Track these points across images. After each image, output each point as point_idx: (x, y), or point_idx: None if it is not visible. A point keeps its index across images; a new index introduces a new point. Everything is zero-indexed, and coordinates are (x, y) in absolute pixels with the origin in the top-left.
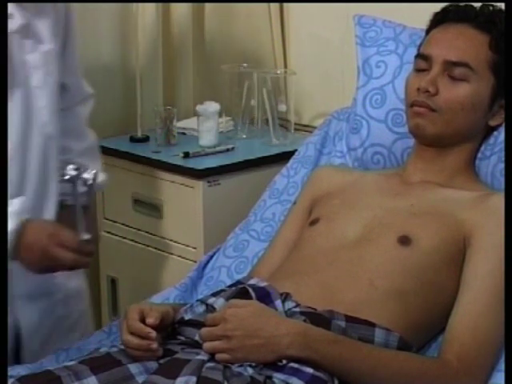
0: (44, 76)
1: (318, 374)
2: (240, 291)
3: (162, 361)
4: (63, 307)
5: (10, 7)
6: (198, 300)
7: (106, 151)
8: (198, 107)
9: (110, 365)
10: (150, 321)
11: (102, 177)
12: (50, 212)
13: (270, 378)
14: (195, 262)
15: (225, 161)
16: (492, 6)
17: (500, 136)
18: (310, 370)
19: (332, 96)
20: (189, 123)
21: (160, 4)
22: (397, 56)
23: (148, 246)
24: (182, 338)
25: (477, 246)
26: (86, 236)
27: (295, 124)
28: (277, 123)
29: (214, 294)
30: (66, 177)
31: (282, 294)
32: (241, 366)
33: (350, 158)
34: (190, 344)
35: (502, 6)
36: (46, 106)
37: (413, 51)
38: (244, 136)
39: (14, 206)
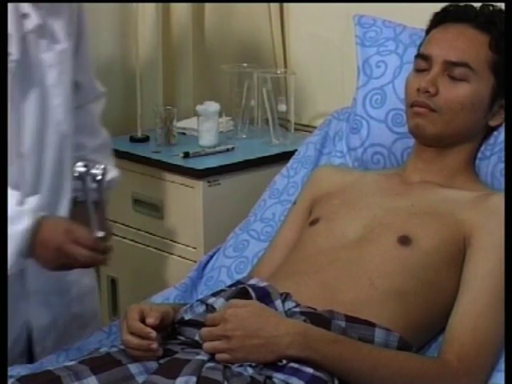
0: (59, 75)
1: (318, 374)
2: (240, 291)
3: (162, 361)
4: (78, 305)
5: (27, 7)
6: (198, 300)
7: None
8: (198, 107)
9: (110, 365)
10: (150, 321)
11: (114, 173)
12: (64, 209)
13: (270, 378)
14: (195, 262)
15: (225, 161)
16: (492, 5)
17: (500, 136)
18: (310, 370)
19: (332, 96)
20: (189, 123)
21: (160, 4)
22: (397, 56)
23: (148, 245)
24: (182, 338)
25: (477, 245)
26: (101, 233)
27: (295, 124)
28: (277, 123)
29: (214, 294)
30: (75, 174)
31: (282, 294)
32: (241, 366)
33: (350, 158)
34: (189, 344)
35: (502, 5)
36: (60, 104)
37: (413, 51)
38: (244, 136)
39: (29, 203)
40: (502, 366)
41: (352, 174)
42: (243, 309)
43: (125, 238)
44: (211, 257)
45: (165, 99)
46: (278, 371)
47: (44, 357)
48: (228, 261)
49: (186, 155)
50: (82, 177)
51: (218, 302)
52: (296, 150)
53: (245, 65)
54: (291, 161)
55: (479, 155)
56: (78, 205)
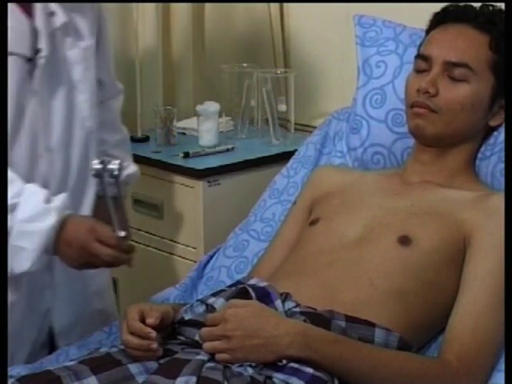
0: (84, 71)
1: (318, 373)
2: (240, 291)
3: (162, 361)
4: (99, 300)
5: (53, 5)
6: (198, 300)
7: None
8: (198, 107)
9: (110, 365)
10: (150, 321)
11: (133, 168)
12: (89, 204)
13: (270, 378)
14: (195, 262)
15: (225, 161)
16: (492, 6)
17: (500, 136)
18: (310, 370)
19: (332, 96)
20: (189, 123)
21: (160, 4)
22: (397, 56)
23: (148, 245)
24: (182, 338)
25: (477, 245)
26: (123, 233)
27: (295, 124)
28: (277, 123)
29: (214, 294)
30: (93, 172)
31: (282, 294)
32: (241, 366)
33: (350, 158)
34: (189, 344)
35: (502, 6)
36: (86, 100)
37: (413, 51)
38: (244, 136)
39: (56, 201)
40: (502, 366)
41: (352, 174)
42: (243, 309)
43: None
44: (211, 257)
45: (165, 99)
46: (277, 371)
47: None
48: (228, 261)
49: (186, 155)
50: (99, 174)
51: (218, 302)
52: (296, 150)
53: (245, 65)
54: (291, 161)
55: (479, 155)
56: (99, 200)
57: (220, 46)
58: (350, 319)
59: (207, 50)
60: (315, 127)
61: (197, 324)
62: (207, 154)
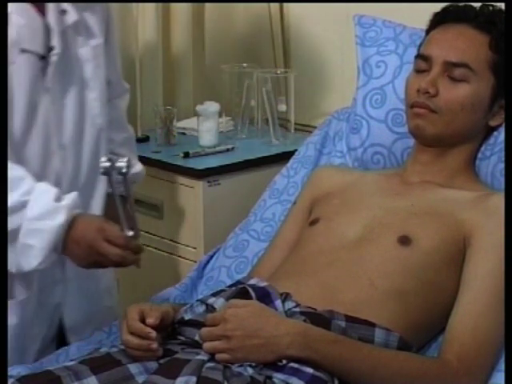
0: (94, 69)
1: (318, 373)
2: (240, 291)
3: (162, 361)
4: (108, 297)
5: (65, 4)
6: (198, 300)
7: None
8: (198, 107)
9: (110, 365)
10: (150, 321)
11: (139, 167)
12: (98, 203)
13: (270, 378)
14: (195, 262)
15: (225, 161)
16: (492, 6)
17: (500, 136)
18: (310, 370)
19: (332, 96)
20: (189, 123)
21: (160, 4)
22: (397, 56)
23: (148, 245)
24: (182, 338)
25: (477, 245)
26: (131, 232)
27: (295, 124)
28: (277, 123)
29: (214, 294)
30: (101, 170)
31: (282, 294)
32: (241, 366)
33: (350, 158)
34: (189, 344)
35: (502, 6)
36: (96, 98)
37: (413, 51)
38: (244, 136)
39: (65, 200)
40: (502, 366)
41: (352, 174)
42: (243, 309)
43: None
44: (211, 257)
45: (165, 99)
46: (278, 371)
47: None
48: (228, 261)
49: (186, 155)
50: (107, 172)
51: (218, 302)
52: (296, 150)
53: (245, 65)
54: (291, 161)
55: (479, 155)
56: (109, 199)
57: (220, 46)
58: (349, 319)
59: (207, 50)
60: (315, 127)
61: (197, 324)
62: (207, 154)
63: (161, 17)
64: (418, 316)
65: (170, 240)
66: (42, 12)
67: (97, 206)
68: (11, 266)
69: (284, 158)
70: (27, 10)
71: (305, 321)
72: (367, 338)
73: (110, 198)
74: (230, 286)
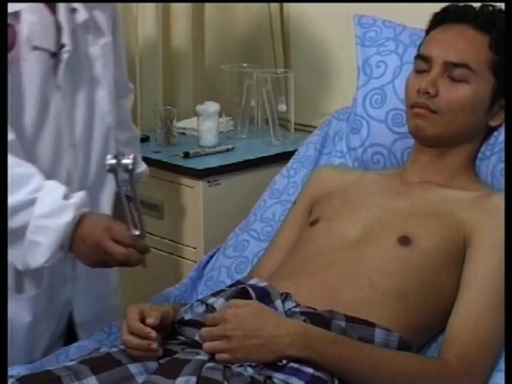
0: (103, 68)
1: (318, 373)
2: (240, 291)
3: (162, 361)
4: (115, 296)
5: (75, 3)
6: (198, 300)
7: None
8: (198, 107)
9: (110, 365)
10: (150, 321)
11: (143, 167)
12: (107, 202)
13: (270, 378)
14: (195, 262)
15: (225, 161)
16: (492, 6)
17: (500, 136)
18: (310, 370)
19: (332, 96)
20: (189, 123)
21: (160, 4)
22: (397, 56)
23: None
24: (182, 338)
25: (477, 246)
26: (137, 232)
27: (295, 124)
28: (277, 123)
29: (214, 294)
30: (107, 167)
31: (282, 294)
32: (241, 365)
33: (350, 158)
34: (190, 344)
35: (502, 6)
36: (105, 96)
37: (413, 51)
38: (244, 136)
39: (74, 198)
40: (502, 366)
41: (352, 174)
42: (243, 309)
43: None
44: (211, 257)
45: (165, 99)
46: (277, 371)
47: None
48: (228, 261)
49: (186, 155)
50: (113, 169)
51: (218, 302)
52: (296, 150)
53: (245, 65)
54: (291, 161)
55: (479, 155)
56: (116, 198)
57: (220, 46)
58: (349, 319)
59: (207, 50)
60: (315, 127)
61: (197, 324)
62: (207, 154)
63: (161, 17)
64: (417, 316)
65: (170, 240)
66: (53, 10)
67: (106, 205)
68: (18, 263)
69: (284, 157)
70: (38, 8)
71: (305, 321)
72: (367, 338)
73: (117, 197)
74: (230, 286)
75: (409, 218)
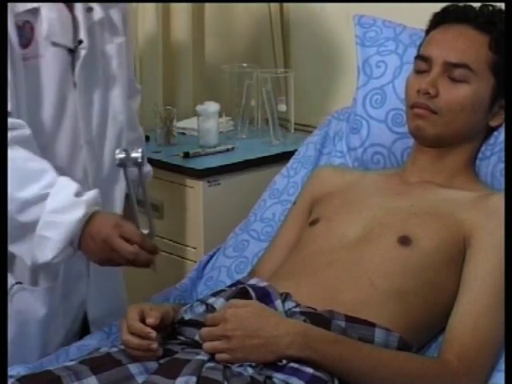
0: (118, 66)
1: (318, 373)
2: (240, 291)
3: (162, 361)
4: (123, 294)
5: (91, 2)
6: (198, 300)
7: None
8: (198, 107)
9: (110, 365)
10: (150, 321)
11: (148, 167)
12: (119, 200)
13: (270, 378)
14: (195, 262)
15: (225, 161)
16: (492, 6)
17: (500, 136)
18: (310, 370)
19: (332, 96)
20: (189, 123)
21: (160, 4)
22: (397, 56)
23: None
24: (182, 338)
25: (477, 246)
26: (146, 231)
27: (295, 124)
28: (277, 123)
29: (214, 294)
30: (117, 161)
31: (282, 294)
32: (241, 366)
33: (350, 158)
34: (190, 344)
35: (502, 6)
36: (119, 95)
37: (413, 51)
38: (244, 136)
39: (86, 196)
40: (502, 366)
41: (352, 174)
42: (243, 309)
43: None
44: (211, 257)
45: (165, 99)
46: (278, 371)
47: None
48: (228, 261)
49: (186, 155)
50: (123, 163)
51: (218, 302)
52: (296, 150)
53: (245, 65)
54: (291, 161)
55: (479, 155)
56: (126, 199)
57: (220, 46)
58: (349, 319)
59: (207, 50)
60: (315, 127)
61: (197, 324)
62: (207, 154)
63: (161, 17)
64: (418, 316)
65: (170, 240)
66: (70, 8)
67: (117, 203)
68: (26, 258)
69: (284, 157)
70: (57, 5)
71: (305, 321)
72: (367, 338)
73: (126, 198)
74: (230, 286)
75: (409, 218)
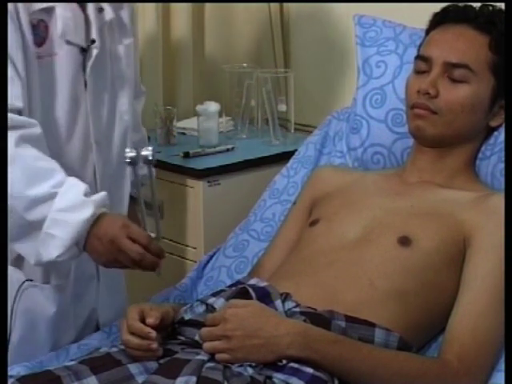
0: (126, 67)
1: (318, 373)
2: (240, 291)
3: (162, 361)
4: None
5: (102, 3)
6: (198, 300)
7: None
8: (198, 107)
9: (110, 365)
10: (150, 321)
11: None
12: (124, 202)
13: (270, 378)
14: (195, 262)
15: (225, 161)
16: (492, 6)
17: (500, 136)
18: (310, 370)
19: (332, 96)
20: (189, 123)
21: (160, 4)
22: (397, 56)
23: None
24: (182, 338)
25: (477, 246)
26: (153, 234)
27: (295, 124)
28: (277, 123)
29: (214, 294)
30: (127, 160)
31: (282, 294)
32: (241, 366)
33: (350, 158)
34: (190, 344)
35: (502, 6)
36: (125, 95)
37: (413, 51)
38: (244, 136)
39: (94, 196)
40: (502, 366)
41: (352, 175)
42: (243, 309)
43: None
44: (211, 257)
45: (165, 99)
46: (277, 371)
47: None
48: (228, 261)
49: (186, 155)
50: (133, 161)
51: (218, 302)
52: (296, 150)
53: (245, 65)
54: (291, 161)
55: (479, 155)
56: (132, 202)
57: (220, 45)
58: (349, 319)
59: (207, 50)
60: (315, 127)
61: (197, 324)
62: (207, 154)
63: (161, 17)
64: (418, 316)
65: (170, 240)
66: (82, 8)
67: (123, 204)
68: (30, 257)
69: (284, 157)
70: (70, 5)
71: (305, 321)
72: (367, 338)
73: (130, 200)
74: (230, 286)
75: (409, 219)
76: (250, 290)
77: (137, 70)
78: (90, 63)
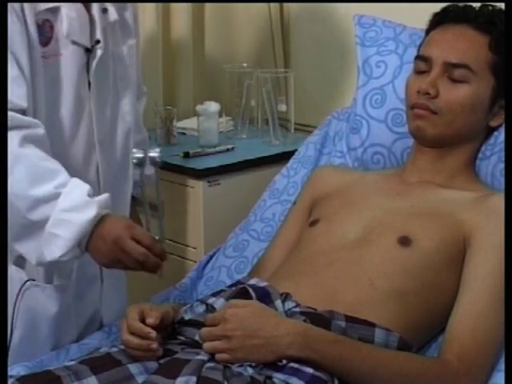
0: (128, 68)
1: (318, 373)
2: (240, 291)
3: (162, 361)
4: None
5: (106, 3)
6: (198, 300)
7: None
8: (198, 107)
9: (110, 365)
10: (150, 321)
11: (152, 170)
12: (126, 203)
13: (270, 378)
14: (195, 262)
15: (225, 161)
16: (492, 6)
17: (500, 136)
18: (310, 370)
19: (332, 96)
20: (189, 123)
21: (160, 4)
22: (397, 56)
23: None
24: (182, 338)
25: (477, 246)
26: (156, 236)
27: (295, 124)
28: (277, 123)
29: (214, 294)
30: (134, 161)
31: (282, 294)
32: (241, 366)
33: (350, 158)
34: (190, 344)
35: (502, 6)
36: (127, 96)
37: (413, 51)
38: (244, 136)
39: (98, 197)
40: (502, 366)
41: (352, 175)
42: (243, 309)
43: None
44: (211, 257)
45: (165, 99)
46: (278, 371)
47: None
48: (228, 261)
49: (186, 155)
50: (141, 162)
51: (218, 302)
52: (296, 150)
53: (245, 65)
54: (291, 161)
55: (479, 155)
56: (134, 203)
57: (220, 45)
58: (349, 319)
59: (207, 50)
60: (315, 127)
61: (197, 324)
62: (207, 154)
63: (161, 17)
64: (418, 316)
65: (170, 240)
66: (87, 9)
67: (125, 205)
68: (32, 257)
69: (284, 157)
70: (75, 5)
71: (305, 321)
72: (367, 338)
73: (132, 202)
74: (230, 286)
75: (409, 219)
76: (250, 290)
77: (139, 71)
78: (94, 63)
